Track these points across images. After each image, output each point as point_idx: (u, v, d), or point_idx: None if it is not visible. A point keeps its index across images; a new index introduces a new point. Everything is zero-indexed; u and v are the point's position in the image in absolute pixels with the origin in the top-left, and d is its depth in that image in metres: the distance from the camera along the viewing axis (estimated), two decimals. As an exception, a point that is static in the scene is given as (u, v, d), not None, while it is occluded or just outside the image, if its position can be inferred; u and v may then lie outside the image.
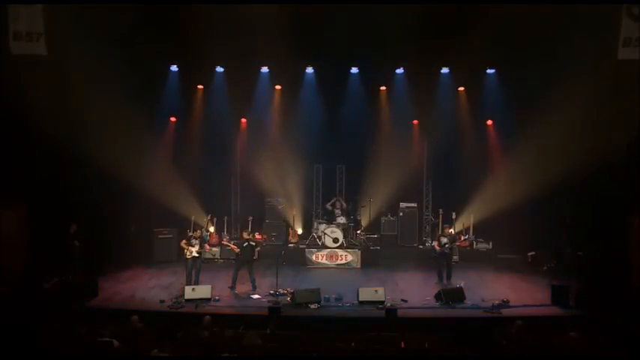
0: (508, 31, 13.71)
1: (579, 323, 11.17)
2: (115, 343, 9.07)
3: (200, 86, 17.48)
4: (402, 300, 12.99)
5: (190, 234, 13.97)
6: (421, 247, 17.43)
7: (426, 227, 18.23)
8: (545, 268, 15.33)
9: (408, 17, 13.73)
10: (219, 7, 13.58)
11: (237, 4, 13.65)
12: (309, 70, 16.96)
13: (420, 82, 16.77)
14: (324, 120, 17.74)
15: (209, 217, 17.51)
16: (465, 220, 17.52)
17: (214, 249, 16.53)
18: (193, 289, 13.00)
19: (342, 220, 17.32)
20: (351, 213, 17.77)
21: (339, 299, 12.93)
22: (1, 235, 12.79)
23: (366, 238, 17.56)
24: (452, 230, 17.09)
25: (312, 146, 17.93)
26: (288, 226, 17.92)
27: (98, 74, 14.11)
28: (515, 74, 15.96)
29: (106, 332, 9.38)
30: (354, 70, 16.98)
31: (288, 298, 12.88)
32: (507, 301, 12.74)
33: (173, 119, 17.91)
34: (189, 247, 13.58)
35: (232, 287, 13.83)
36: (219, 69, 16.87)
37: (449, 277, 14.51)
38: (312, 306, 12.50)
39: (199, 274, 13.81)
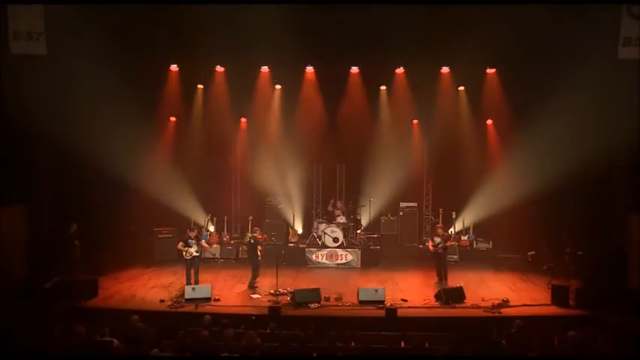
0: (508, 31, 13.70)
1: (579, 323, 11.20)
2: (115, 342, 9.08)
3: (200, 86, 17.47)
4: (402, 300, 13.00)
5: (189, 234, 13.94)
6: (421, 246, 17.41)
7: (426, 227, 18.24)
8: (545, 267, 15.31)
9: (408, 17, 13.74)
10: (219, 7, 13.58)
11: (237, 4, 13.65)
12: (309, 69, 16.95)
13: (420, 82, 16.76)
14: (324, 119, 17.74)
15: (209, 217, 17.53)
16: (465, 220, 17.54)
17: (214, 246, 16.50)
18: (193, 288, 13.02)
19: (342, 219, 17.33)
20: (351, 213, 17.78)
21: (339, 299, 12.94)
22: (1, 235, 12.78)
23: (366, 237, 17.56)
24: (450, 230, 17.21)
25: (312, 146, 17.95)
26: (288, 226, 17.92)
27: (98, 74, 14.11)
28: (515, 74, 15.94)
29: (106, 332, 9.38)
30: (354, 69, 16.97)
31: (289, 298, 12.88)
32: (507, 301, 12.75)
33: (173, 119, 17.91)
34: (187, 249, 13.58)
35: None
36: (219, 69, 16.85)
37: (444, 277, 14.51)
38: (312, 305, 12.52)
39: (198, 273, 13.81)
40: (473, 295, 13.16)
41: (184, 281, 13.62)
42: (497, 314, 12.12)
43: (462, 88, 17.40)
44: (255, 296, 13.33)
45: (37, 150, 13.88)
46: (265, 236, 17.51)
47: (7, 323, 10.63)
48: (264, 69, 17.00)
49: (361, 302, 12.71)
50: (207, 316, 10.77)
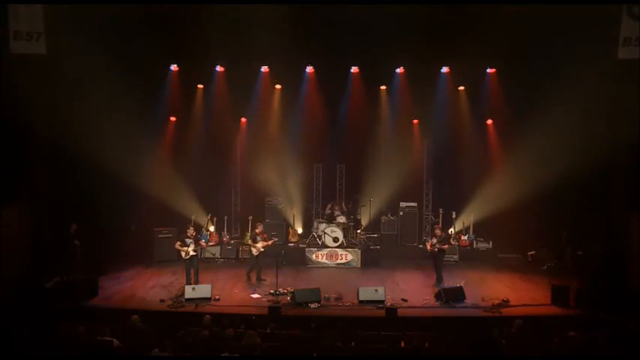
0: (508, 31, 13.70)
1: (579, 323, 11.19)
2: (115, 342, 9.08)
3: (200, 86, 17.47)
4: (402, 299, 13.01)
5: (187, 232, 13.94)
6: (421, 246, 17.40)
7: (426, 227, 18.24)
8: (545, 267, 15.32)
9: (408, 17, 13.74)
10: (219, 7, 13.58)
11: (237, 4, 13.65)
12: (310, 69, 16.94)
13: (420, 82, 16.76)
14: (324, 119, 17.74)
15: (209, 217, 17.53)
16: (465, 220, 17.55)
17: (211, 244, 16.50)
18: (193, 288, 13.02)
19: (342, 219, 17.33)
20: (351, 212, 17.78)
21: (339, 298, 12.94)
22: (1, 235, 12.78)
23: (366, 237, 17.56)
24: (450, 230, 17.21)
25: (312, 146, 17.94)
26: (288, 226, 17.92)
27: (98, 74, 14.11)
28: (515, 74, 15.94)
29: (106, 331, 9.37)
30: (354, 69, 16.97)
31: (289, 298, 12.89)
32: (507, 301, 12.75)
33: (173, 119, 17.91)
34: (185, 248, 13.59)
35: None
36: (219, 68, 16.85)
37: (439, 279, 14.51)
38: (312, 305, 12.53)
39: (198, 273, 13.81)
40: (473, 295, 13.16)
41: (184, 281, 13.63)
42: (497, 314, 12.12)
43: (461, 87, 17.40)
44: (255, 296, 13.33)
45: (37, 150, 13.87)
46: (265, 236, 17.53)
47: (8, 323, 10.61)
48: (265, 69, 17.00)
49: (361, 302, 12.71)
50: (207, 315, 10.79)
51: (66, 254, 14.33)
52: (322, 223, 17.22)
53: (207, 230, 17.32)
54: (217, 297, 12.91)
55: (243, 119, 18.40)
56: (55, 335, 9.50)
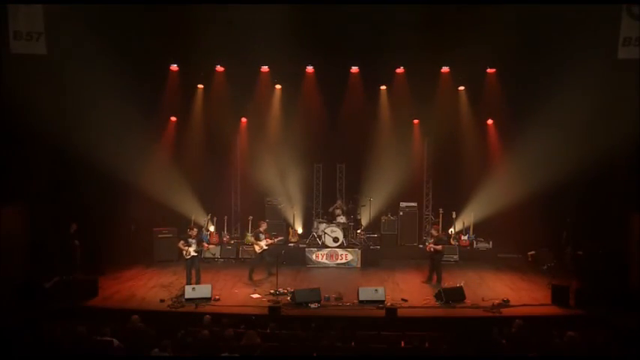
0: (508, 31, 13.71)
1: (579, 322, 11.19)
2: (115, 342, 9.08)
3: (200, 86, 17.47)
4: (402, 299, 13.00)
5: (189, 232, 13.95)
6: (421, 246, 17.38)
7: (426, 227, 18.22)
8: (545, 267, 15.32)
9: (408, 16, 13.74)
10: (219, 7, 13.58)
11: (237, 4, 13.65)
12: (309, 69, 16.94)
13: (420, 82, 16.76)
14: (325, 119, 17.73)
15: (209, 217, 17.53)
16: (465, 220, 17.55)
17: (212, 246, 16.51)
18: (193, 288, 13.02)
19: (342, 219, 17.33)
20: (351, 212, 17.78)
21: (339, 299, 12.94)
22: (1, 235, 12.78)
23: (366, 237, 17.56)
24: (450, 230, 17.22)
25: (312, 145, 17.93)
26: (288, 226, 17.92)
27: (98, 74, 14.11)
28: (515, 74, 15.95)
29: (106, 331, 9.38)
30: (354, 69, 16.97)
31: (289, 298, 12.89)
32: (507, 301, 12.75)
33: (173, 119, 17.91)
34: (187, 248, 13.59)
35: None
36: (220, 68, 16.85)
37: (432, 279, 14.50)
38: (313, 305, 12.52)
39: (200, 273, 13.82)
40: (473, 295, 13.16)
41: (184, 281, 13.62)
42: (497, 314, 12.12)
43: (462, 87, 17.40)
44: (255, 296, 13.33)
45: (37, 150, 13.88)
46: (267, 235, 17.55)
47: (8, 323, 10.62)
48: (264, 68, 17.00)
49: (361, 302, 12.71)
50: (207, 315, 10.78)
51: (66, 254, 14.33)
52: (322, 223, 17.22)
53: (207, 230, 17.32)
54: (217, 297, 12.91)
55: (244, 119, 18.40)
56: (55, 335, 9.49)
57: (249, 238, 17.28)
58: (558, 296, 12.65)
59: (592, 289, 12.72)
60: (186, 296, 12.73)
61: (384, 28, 14.26)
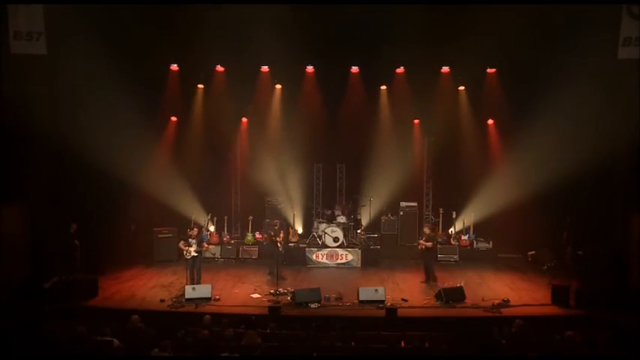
0: (508, 31, 13.71)
1: (579, 322, 11.19)
2: (116, 342, 9.08)
3: (200, 86, 17.46)
4: (402, 299, 13.00)
5: (189, 232, 13.95)
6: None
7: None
8: (545, 267, 15.30)
9: (408, 16, 13.74)
10: (219, 7, 13.58)
11: (237, 4, 13.65)
12: (310, 68, 16.93)
13: (420, 82, 16.75)
14: (325, 119, 17.72)
15: (209, 217, 17.53)
16: (465, 219, 17.54)
17: (212, 246, 16.53)
18: (193, 288, 13.02)
19: (342, 219, 17.33)
20: (352, 212, 17.78)
21: (339, 298, 12.94)
22: (1, 235, 12.78)
23: (367, 237, 17.55)
24: (451, 230, 17.22)
25: (313, 145, 17.91)
26: (288, 226, 17.91)
27: (98, 74, 14.11)
28: (515, 74, 15.94)
29: (106, 331, 9.38)
30: (354, 69, 16.96)
31: (289, 298, 12.89)
32: (507, 301, 12.75)
33: (173, 119, 17.91)
34: (188, 248, 13.58)
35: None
36: (220, 68, 16.84)
37: (427, 277, 14.52)
38: (313, 305, 12.52)
39: (200, 273, 13.82)
40: (473, 295, 13.16)
41: (184, 281, 13.61)
42: (497, 314, 12.11)
43: (462, 87, 17.39)
44: (255, 296, 13.33)
45: (37, 150, 13.87)
46: (266, 236, 17.55)
47: (8, 323, 10.62)
48: (265, 68, 17.00)
49: (361, 302, 12.71)
50: (208, 315, 10.78)
51: (66, 254, 14.32)
52: (322, 222, 17.21)
53: (208, 230, 17.32)
54: (217, 297, 12.91)
55: (244, 119, 18.40)
56: (55, 335, 9.49)
57: (249, 238, 17.34)
58: (558, 296, 12.65)
59: (592, 289, 12.71)
60: (187, 296, 12.73)
61: (384, 28, 14.24)
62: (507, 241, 17.06)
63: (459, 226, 17.63)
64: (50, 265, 13.62)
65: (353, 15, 13.92)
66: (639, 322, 10.97)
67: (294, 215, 18.11)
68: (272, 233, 15.11)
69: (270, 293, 13.34)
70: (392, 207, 18.03)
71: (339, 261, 16.50)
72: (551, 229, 15.99)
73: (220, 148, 18.22)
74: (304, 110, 17.55)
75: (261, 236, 17.63)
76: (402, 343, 9.87)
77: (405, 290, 13.82)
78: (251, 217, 17.52)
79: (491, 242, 17.27)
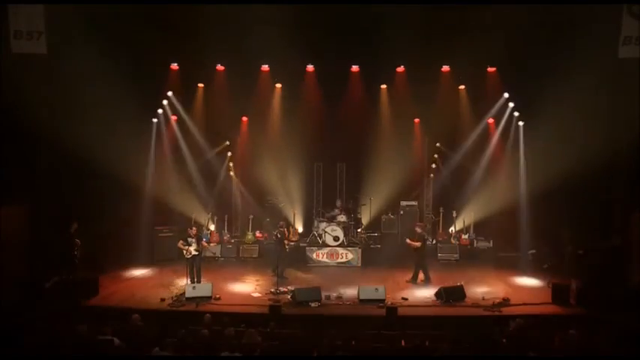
0: (508, 30, 13.70)
1: (579, 321, 11.18)
2: (116, 341, 9.08)
3: (200, 84, 17.46)
4: (403, 298, 13.02)
5: (189, 232, 13.95)
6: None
7: (426, 226, 18.21)
8: (545, 266, 15.32)
9: (408, 15, 13.73)
10: (219, 6, 13.57)
11: (238, 4, 13.65)
12: (310, 67, 16.92)
13: (420, 81, 16.75)
14: (325, 118, 17.72)
15: (209, 215, 17.53)
16: (465, 219, 17.54)
17: (212, 245, 16.53)
18: (194, 287, 13.03)
19: (342, 218, 17.33)
20: (352, 211, 17.78)
21: (339, 297, 12.95)
22: (1, 234, 12.79)
23: (367, 236, 17.55)
24: (451, 229, 17.21)
25: (313, 144, 17.93)
26: (288, 225, 17.92)
27: (98, 73, 14.10)
28: (515, 73, 15.93)
29: (106, 331, 9.39)
30: (354, 68, 16.95)
31: (289, 297, 12.89)
32: (508, 300, 12.76)
33: (174, 118, 17.90)
34: (187, 247, 13.59)
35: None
36: (220, 67, 16.84)
37: (427, 278, 14.52)
38: (313, 304, 12.52)
39: (200, 272, 13.83)
40: (473, 294, 13.18)
41: (185, 280, 13.62)
42: (497, 313, 12.12)
43: (462, 86, 17.38)
44: (255, 295, 13.34)
45: (37, 149, 13.88)
46: (266, 235, 17.58)
47: (8, 323, 10.62)
48: (265, 67, 16.99)
49: (361, 301, 12.72)
50: (208, 314, 10.78)
51: (66, 253, 14.31)
52: (323, 221, 17.22)
53: (208, 229, 17.33)
54: (218, 296, 12.92)
55: (244, 118, 18.39)
56: (56, 335, 9.49)
57: (249, 237, 17.35)
58: (559, 295, 12.66)
59: (592, 288, 12.71)
60: (187, 295, 12.74)
61: (384, 27, 14.24)
62: (508, 240, 17.04)
63: (459, 225, 17.64)
64: (51, 264, 13.62)
65: (353, 14, 13.90)
66: (639, 321, 10.96)
67: (294, 214, 18.12)
68: (278, 235, 15.07)
69: (271, 292, 13.35)
70: (392, 206, 18.04)
71: (339, 260, 16.51)
72: (551, 228, 15.99)
73: (220, 146, 18.19)
74: (304, 109, 17.55)
75: (261, 235, 17.64)
76: (403, 342, 9.88)
77: (405, 289, 13.83)
78: (251, 216, 17.53)
79: (491, 241, 17.28)
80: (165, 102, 17.09)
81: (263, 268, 15.04)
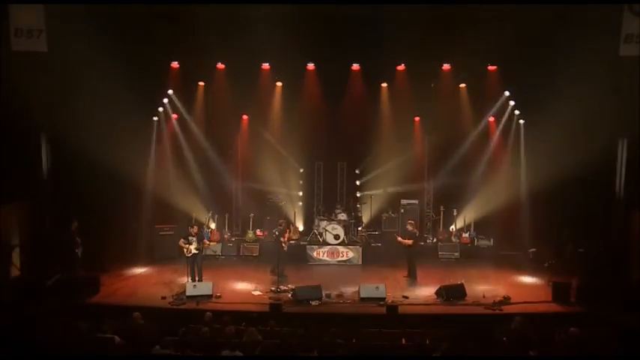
0: (509, 28, 13.68)
1: (580, 320, 11.18)
2: (117, 339, 9.10)
3: (201, 83, 17.45)
4: (403, 296, 13.03)
5: (189, 230, 13.95)
6: (422, 243, 17.39)
7: (427, 224, 18.23)
8: (546, 264, 15.32)
9: (409, 14, 13.73)
10: (220, 5, 13.56)
11: (238, 3, 13.64)
12: (310, 66, 16.91)
13: (421, 79, 16.73)
14: (325, 117, 17.70)
15: (210, 214, 17.54)
16: (466, 217, 17.54)
17: (213, 243, 16.53)
18: (195, 285, 13.04)
19: (342, 216, 17.33)
20: (352, 210, 17.78)
21: (340, 296, 12.96)
22: (2, 233, 12.79)
23: (367, 234, 17.56)
24: (452, 228, 17.22)
25: (313, 143, 17.92)
26: (289, 223, 17.91)
27: (99, 71, 14.11)
28: (516, 72, 15.92)
29: (107, 329, 9.41)
30: (355, 66, 16.93)
31: (290, 295, 12.90)
32: (508, 298, 12.76)
33: (174, 116, 17.90)
34: (187, 246, 13.60)
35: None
36: (220, 65, 16.83)
37: (409, 274, 14.60)
38: (313, 302, 12.53)
39: (201, 270, 13.84)
40: (474, 293, 13.17)
41: (186, 278, 13.63)
42: (498, 311, 12.13)
43: (463, 85, 17.36)
44: (256, 293, 13.35)
45: (38, 147, 13.88)
46: (266, 233, 17.57)
47: (9, 321, 10.64)
48: (265, 66, 16.95)
49: (362, 299, 12.73)
50: (208, 313, 10.79)
51: (67, 252, 14.33)
52: (323, 220, 17.22)
53: (209, 228, 17.34)
54: (218, 294, 12.93)
55: (245, 116, 18.38)
56: (57, 333, 9.51)
57: (250, 235, 17.36)
58: (559, 293, 12.67)
59: (593, 286, 12.72)
60: (188, 293, 12.75)
61: (385, 25, 14.23)
62: (508, 239, 17.04)
63: (459, 223, 17.64)
64: (52, 262, 13.64)
65: (353, 13, 13.88)
66: (639, 319, 10.97)
67: (294, 213, 18.12)
68: (277, 233, 15.05)
69: (272, 290, 13.36)
70: (393, 204, 18.03)
71: (339, 258, 16.52)
72: (552, 226, 15.99)
73: (221, 144, 18.20)
74: (305, 108, 17.52)
75: (262, 234, 17.64)
76: (403, 341, 9.89)
77: (405, 287, 13.83)
78: (252, 215, 17.53)
79: (492, 240, 17.28)
80: (165, 100, 17.09)
81: (264, 267, 15.03)
